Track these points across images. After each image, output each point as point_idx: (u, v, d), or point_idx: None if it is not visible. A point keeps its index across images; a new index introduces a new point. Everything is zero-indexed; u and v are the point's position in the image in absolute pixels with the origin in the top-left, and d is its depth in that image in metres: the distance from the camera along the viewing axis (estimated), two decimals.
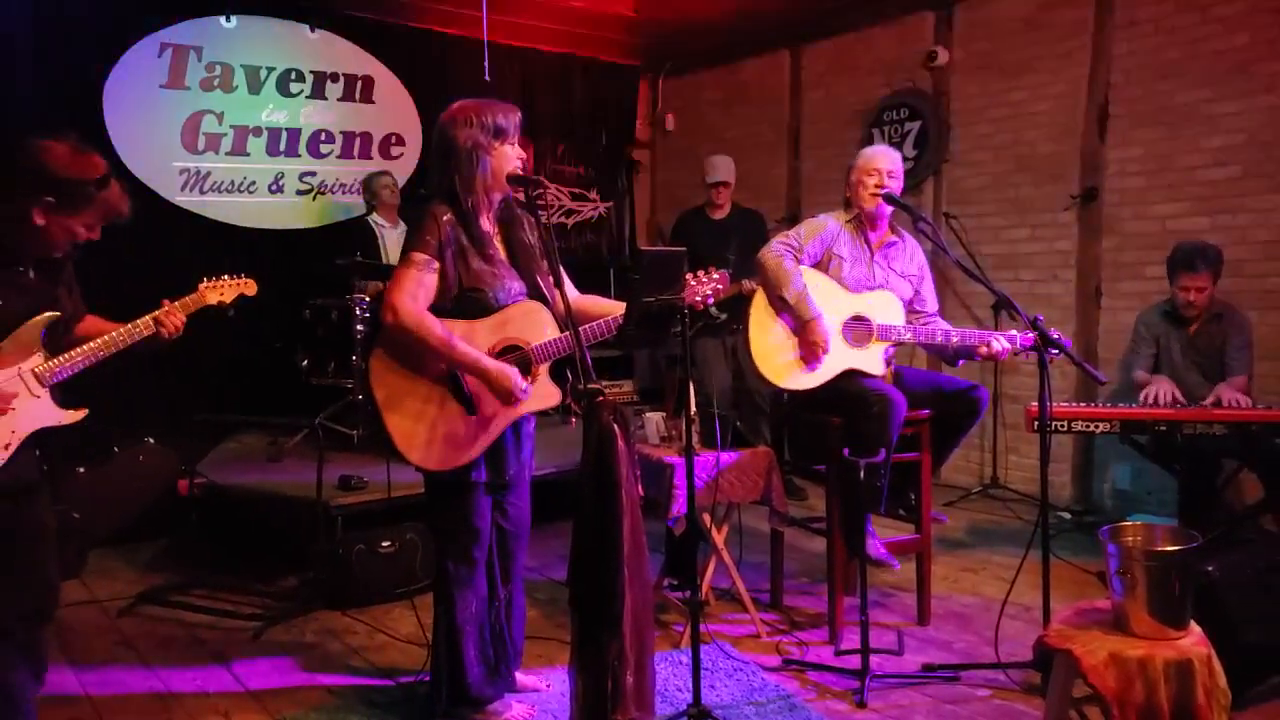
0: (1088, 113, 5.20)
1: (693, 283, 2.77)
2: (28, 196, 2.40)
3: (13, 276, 2.48)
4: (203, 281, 2.81)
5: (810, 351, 3.44)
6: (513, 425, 2.75)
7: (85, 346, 2.54)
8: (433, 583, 2.87)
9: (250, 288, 2.88)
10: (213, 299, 2.79)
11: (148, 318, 2.61)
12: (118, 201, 2.52)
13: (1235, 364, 4.09)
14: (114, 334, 2.57)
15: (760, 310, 3.58)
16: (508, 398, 2.63)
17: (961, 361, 3.61)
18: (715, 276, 2.80)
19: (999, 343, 3.34)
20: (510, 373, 2.63)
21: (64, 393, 2.56)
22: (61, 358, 2.51)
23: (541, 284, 2.77)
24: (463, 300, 2.67)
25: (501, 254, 2.76)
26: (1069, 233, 5.33)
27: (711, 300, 2.81)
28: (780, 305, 3.52)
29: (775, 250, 3.57)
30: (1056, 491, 5.26)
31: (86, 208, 2.46)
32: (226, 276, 2.84)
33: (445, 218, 2.65)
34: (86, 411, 2.58)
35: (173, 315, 2.64)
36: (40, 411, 2.48)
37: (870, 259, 3.64)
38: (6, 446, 2.42)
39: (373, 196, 5.63)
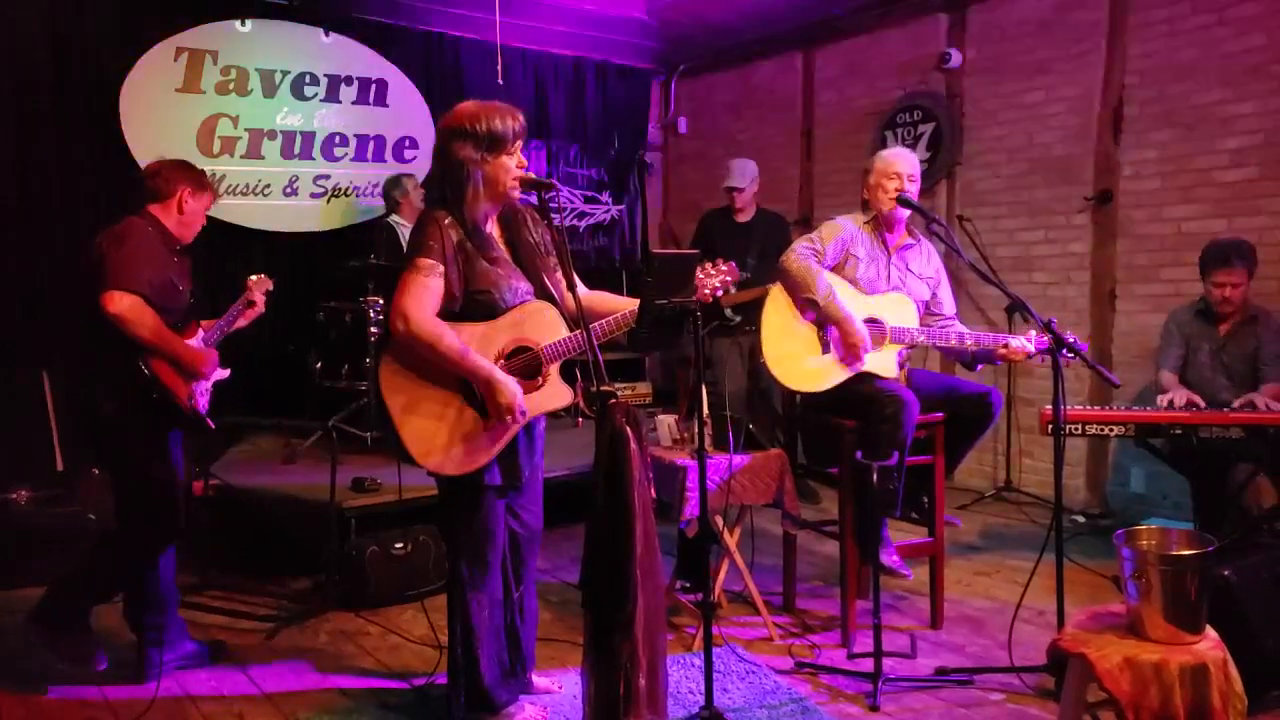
0: (1102, 114, 5.18)
1: (701, 276, 2.76)
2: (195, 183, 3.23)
3: (186, 265, 3.26)
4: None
5: (851, 352, 3.44)
6: (525, 427, 2.76)
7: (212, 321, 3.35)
8: (447, 587, 2.87)
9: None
10: None
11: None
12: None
13: (1270, 370, 3.97)
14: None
15: (773, 314, 3.58)
16: (504, 415, 2.61)
17: (980, 367, 3.60)
18: (724, 268, 2.80)
19: (1015, 343, 3.34)
20: (516, 395, 2.60)
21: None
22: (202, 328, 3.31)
23: (548, 281, 2.76)
24: (470, 303, 2.67)
25: (505, 254, 2.75)
26: (1083, 235, 5.30)
27: (720, 293, 2.80)
28: (807, 307, 3.52)
29: (799, 253, 3.56)
30: (1071, 495, 5.23)
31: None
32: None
33: (446, 221, 2.64)
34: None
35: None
36: None
37: (887, 260, 3.64)
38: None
39: (404, 194, 5.64)
